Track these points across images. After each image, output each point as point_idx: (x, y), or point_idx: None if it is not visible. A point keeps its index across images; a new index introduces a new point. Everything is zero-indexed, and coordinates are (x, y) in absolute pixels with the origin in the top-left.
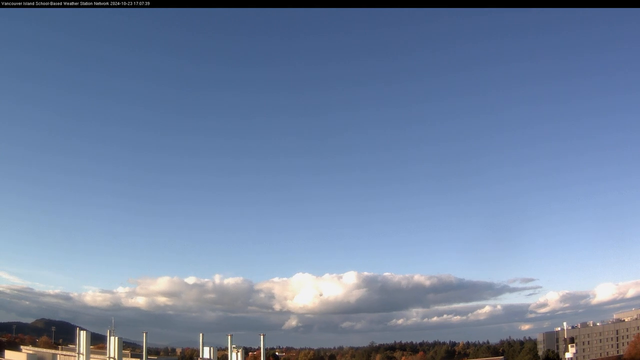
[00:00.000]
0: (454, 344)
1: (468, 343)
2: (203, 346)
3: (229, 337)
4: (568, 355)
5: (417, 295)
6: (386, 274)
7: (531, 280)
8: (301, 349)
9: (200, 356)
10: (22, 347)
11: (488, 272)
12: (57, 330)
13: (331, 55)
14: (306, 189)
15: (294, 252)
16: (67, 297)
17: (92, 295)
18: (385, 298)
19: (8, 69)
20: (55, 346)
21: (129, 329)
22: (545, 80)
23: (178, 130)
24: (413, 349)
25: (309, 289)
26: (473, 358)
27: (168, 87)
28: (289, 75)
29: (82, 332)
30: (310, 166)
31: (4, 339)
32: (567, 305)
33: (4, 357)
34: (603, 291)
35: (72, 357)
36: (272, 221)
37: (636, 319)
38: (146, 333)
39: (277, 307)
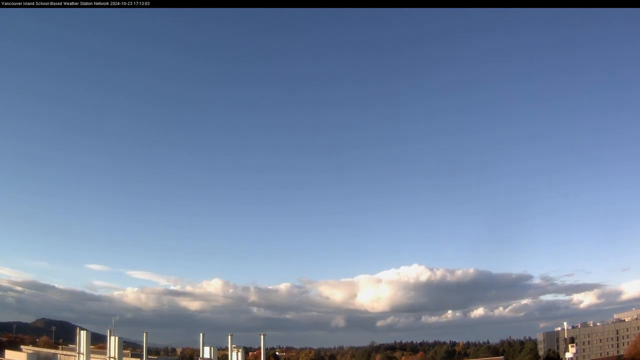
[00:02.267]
0: (454, 344)
1: (468, 343)
2: (203, 346)
3: (229, 336)
4: (568, 355)
5: (474, 292)
6: (444, 268)
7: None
8: (301, 349)
9: (201, 356)
10: (22, 346)
11: (547, 267)
12: (57, 330)
13: (333, 53)
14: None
15: (347, 252)
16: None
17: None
18: (437, 295)
19: (7, 63)
20: (55, 346)
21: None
22: (547, 77)
23: (180, 129)
24: (413, 349)
25: (358, 289)
26: (473, 358)
27: (172, 83)
28: (290, 73)
29: (82, 331)
30: (340, 164)
31: (4, 339)
32: (600, 301)
33: (4, 357)
34: (631, 288)
35: (73, 357)
36: (294, 221)
37: (636, 319)
38: (146, 333)
39: (327, 307)
